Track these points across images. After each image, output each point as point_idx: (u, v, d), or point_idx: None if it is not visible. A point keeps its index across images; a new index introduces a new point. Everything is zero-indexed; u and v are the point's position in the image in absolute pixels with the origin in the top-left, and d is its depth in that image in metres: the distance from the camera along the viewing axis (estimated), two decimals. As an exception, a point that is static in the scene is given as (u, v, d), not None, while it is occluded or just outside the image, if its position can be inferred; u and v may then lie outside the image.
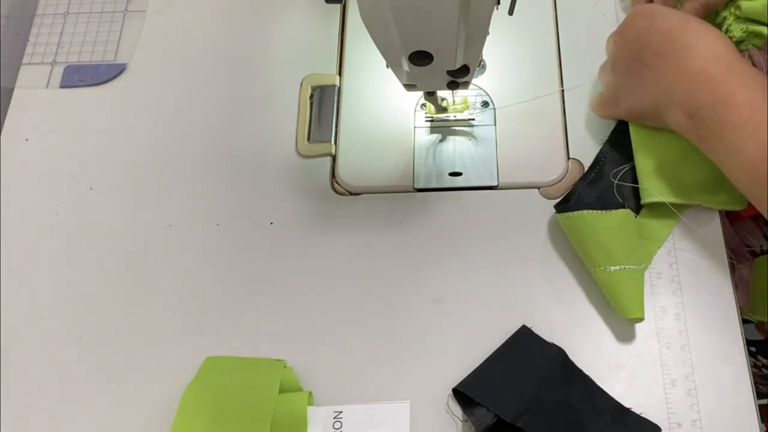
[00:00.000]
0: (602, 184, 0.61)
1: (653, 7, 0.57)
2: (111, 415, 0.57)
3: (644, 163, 0.59)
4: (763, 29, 0.57)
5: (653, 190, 0.58)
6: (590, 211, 0.57)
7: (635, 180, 0.60)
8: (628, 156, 0.61)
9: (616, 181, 0.60)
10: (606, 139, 0.63)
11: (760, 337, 0.75)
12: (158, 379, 0.58)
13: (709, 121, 0.50)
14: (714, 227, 0.60)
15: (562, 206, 0.60)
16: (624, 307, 0.55)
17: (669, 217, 0.59)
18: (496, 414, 0.52)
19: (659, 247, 0.59)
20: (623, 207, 0.58)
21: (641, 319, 0.56)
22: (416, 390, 0.56)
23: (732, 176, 0.51)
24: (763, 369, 0.77)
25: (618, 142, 0.62)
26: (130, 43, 0.73)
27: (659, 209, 0.59)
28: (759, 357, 0.76)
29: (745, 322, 0.65)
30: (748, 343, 0.71)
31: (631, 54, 0.57)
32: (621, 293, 0.55)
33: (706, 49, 0.51)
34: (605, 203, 0.59)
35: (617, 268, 0.55)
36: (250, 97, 0.69)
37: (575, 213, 0.58)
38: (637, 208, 0.59)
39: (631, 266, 0.56)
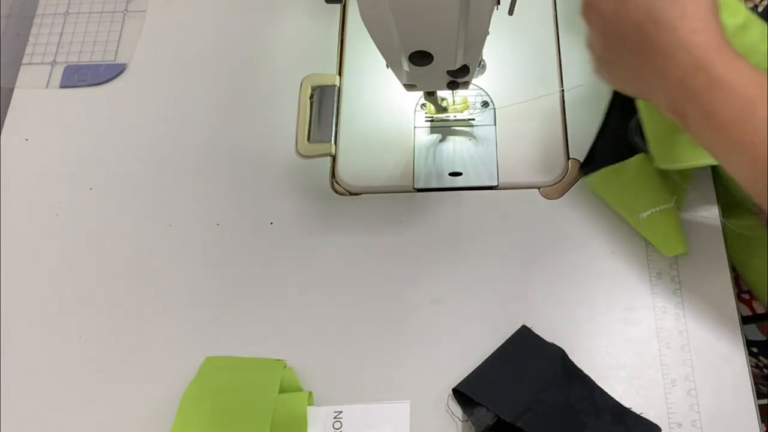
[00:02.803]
0: (615, 136, 0.61)
1: None
2: (111, 415, 0.57)
3: (651, 126, 0.58)
4: None
5: (663, 155, 0.57)
6: (606, 168, 0.59)
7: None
8: (634, 103, 0.60)
9: (633, 128, 0.60)
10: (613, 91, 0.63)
11: (762, 338, 0.75)
12: (158, 379, 0.58)
13: (698, 132, 0.48)
14: (714, 227, 0.60)
15: (586, 169, 0.61)
16: (664, 245, 0.57)
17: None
18: (496, 414, 0.52)
19: (688, 183, 0.60)
20: (639, 152, 0.59)
21: (685, 254, 0.57)
22: (416, 390, 0.56)
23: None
24: (764, 369, 0.77)
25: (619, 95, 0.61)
26: (130, 43, 0.73)
27: None
28: (761, 357, 0.76)
29: (745, 321, 0.65)
30: (750, 343, 0.71)
31: (604, 44, 0.51)
32: (658, 234, 0.58)
33: (684, 57, 0.45)
34: (622, 154, 0.59)
35: (648, 212, 0.57)
36: (250, 97, 0.69)
37: (595, 174, 0.60)
38: None
39: (660, 207, 0.57)
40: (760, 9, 0.86)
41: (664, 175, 0.59)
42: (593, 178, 0.60)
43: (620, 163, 0.59)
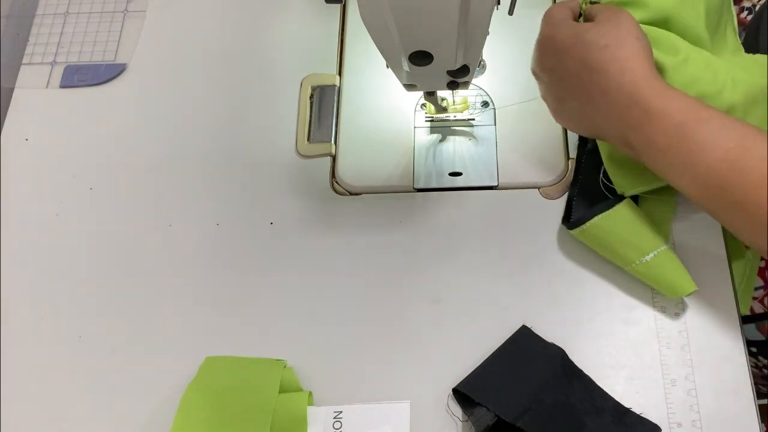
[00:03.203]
0: (590, 186, 0.61)
1: (555, 36, 0.54)
2: (111, 415, 0.57)
3: (608, 156, 0.59)
4: None
5: (625, 183, 0.58)
6: (600, 216, 0.57)
7: None
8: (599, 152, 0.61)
9: (601, 176, 0.60)
10: (577, 141, 0.63)
11: (761, 338, 0.75)
12: (158, 379, 0.58)
13: (645, 159, 0.52)
14: (714, 227, 0.60)
15: (571, 222, 0.59)
16: (675, 287, 0.56)
17: (667, 194, 0.59)
18: (496, 414, 0.52)
19: (671, 222, 0.59)
20: (619, 198, 0.58)
21: (696, 290, 0.56)
22: (416, 390, 0.56)
23: None
24: (763, 369, 0.77)
25: (588, 141, 0.62)
26: (130, 43, 0.73)
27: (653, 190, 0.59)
28: (760, 357, 0.76)
29: (744, 321, 0.65)
30: (749, 343, 0.71)
31: (554, 97, 0.57)
32: (667, 276, 0.56)
33: (619, 95, 0.50)
34: (600, 202, 0.59)
35: (651, 255, 0.56)
36: (250, 97, 0.69)
37: (588, 224, 0.58)
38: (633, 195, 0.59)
39: (661, 248, 0.56)
40: (757, 8, 0.86)
41: (650, 214, 0.58)
42: (585, 230, 0.58)
43: (605, 213, 0.57)
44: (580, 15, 0.57)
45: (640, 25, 0.54)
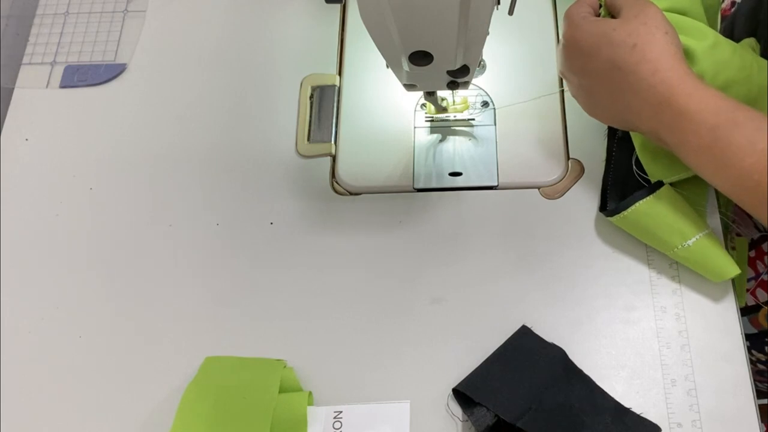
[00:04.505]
0: (623, 174, 0.61)
1: (580, 38, 0.53)
2: (111, 415, 0.57)
3: (640, 146, 0.59)
4: None
5: (658, 171, 0.58)
6: (642, 201, 0.57)
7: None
8: (630, 139, 0.61)
9: (633, 165, 0.60)
10: (606, 131, 0.63)
11: (753, 331, 0.74)
12: (158, 379, 0.58)
13: (679, 155, 0.52)
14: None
15: (610, 210, 0.59)
16: (718, 271, 0.56)
17: (699, 182, 0.58)
18: (496, 414, 0.52)
19: (706, 207, 0.59)
20: (658, 184, 0.58)
21: (738, 273, 0.56)
22: (416, 390, 0.56)
23: None
24: (758, 364, 0.77)
25: (618, 130, 0.62)
26: (130, 43, 0.73)
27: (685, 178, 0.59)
28: (753, 352, 0.75)
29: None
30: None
31: (585, 95, 0.57)
32: (710, 260, 0.56)
33: (650, 95, 0.50)
34: (645, 190, 0.58)
35: (694, 239, 0.56)
36: (250, 97, 0.69)
37: (630, 210, 0.57)
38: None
39: (703, 232, 0.56)
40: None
41: (688, 200, 0.58)
42: (625, 216, 0.58)
43: (646, 199, 0.57)
44: (600, 6, 0.56)
45: (666, 13, 0.53)
